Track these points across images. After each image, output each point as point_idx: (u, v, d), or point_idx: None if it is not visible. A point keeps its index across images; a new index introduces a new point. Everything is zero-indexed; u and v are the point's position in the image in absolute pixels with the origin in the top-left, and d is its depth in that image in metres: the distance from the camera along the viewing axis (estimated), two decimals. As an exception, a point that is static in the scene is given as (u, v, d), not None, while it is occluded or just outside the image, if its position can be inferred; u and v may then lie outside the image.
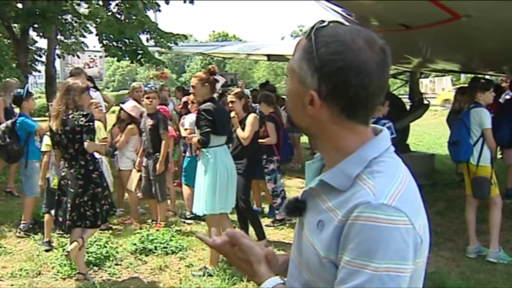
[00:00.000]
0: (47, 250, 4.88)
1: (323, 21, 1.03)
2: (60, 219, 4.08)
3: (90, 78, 8.31)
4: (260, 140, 5.55)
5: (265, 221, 5.88)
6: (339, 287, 0.95)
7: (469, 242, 4.84)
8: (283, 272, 1.26)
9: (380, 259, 0.91)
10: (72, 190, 3.97)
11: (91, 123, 4.02)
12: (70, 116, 3.96)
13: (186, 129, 5.62)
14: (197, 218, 6.00)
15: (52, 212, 5.10)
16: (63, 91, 4.05)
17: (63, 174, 4.04)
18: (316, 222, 1.03)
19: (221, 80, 4.65)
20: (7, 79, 8.52)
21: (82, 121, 3.95)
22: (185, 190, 6.05)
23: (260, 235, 4.96)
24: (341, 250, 0.96)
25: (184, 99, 7.16)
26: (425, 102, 9.29)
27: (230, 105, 5.09)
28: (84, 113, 4.02)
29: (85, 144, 3.97)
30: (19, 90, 6.19)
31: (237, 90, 5.67)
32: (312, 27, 1.02)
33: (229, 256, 1.19)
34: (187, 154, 6.17)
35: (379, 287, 0.90)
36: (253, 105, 7.69)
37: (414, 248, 0.94)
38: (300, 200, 1.11)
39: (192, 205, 5.96)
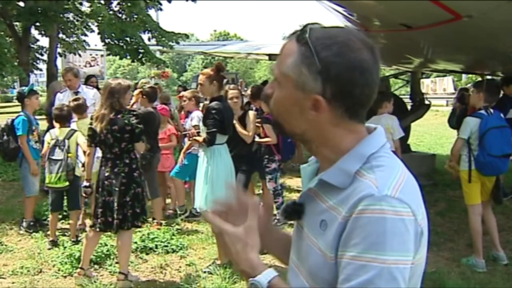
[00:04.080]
0: (49, 248, 4.89)
1: (307, 25, 1.02)
2: (110, 219, 3.97)
3: (93, 77, 8.39)
4: (259, 140, 5.53)
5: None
6: (345, 285, 0.91)
7: (479, 256, 4.49)
8: (279, 248, 1.25)
9: (389, 251, 0.89)
10: (116, 189, 3.94)
11: (141, 125, 4.02)
12: (119, 116, 3.93)
13: (195, 126, 5.62)
14: (192, 216, 6.00)
15: (55, 212, 5.13)
16: (106, 94, 3.98)
17: (106, 174, 3.98)
18: (319, 222, 1.02)
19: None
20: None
21: (133, 120, 3.94)
22: (178, 184, 6.02)
23: None
24: (343, 247, 0.93)
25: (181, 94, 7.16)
26: (426, 102, 9.29)
27: (235, 100, 4.97)
28: (135, 113, 4.05)
29: (137, 144, 4.01)
30: (22, 87, 6.22)
31: (234, 86, 5.62)
32: (302, 32, 1.01)
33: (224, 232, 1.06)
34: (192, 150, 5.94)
35: (388, 280, 0.88)
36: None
37: (415, 240, 0.94)
38: (298, 203, 1.09)
39: (180, 200, 6.02)
